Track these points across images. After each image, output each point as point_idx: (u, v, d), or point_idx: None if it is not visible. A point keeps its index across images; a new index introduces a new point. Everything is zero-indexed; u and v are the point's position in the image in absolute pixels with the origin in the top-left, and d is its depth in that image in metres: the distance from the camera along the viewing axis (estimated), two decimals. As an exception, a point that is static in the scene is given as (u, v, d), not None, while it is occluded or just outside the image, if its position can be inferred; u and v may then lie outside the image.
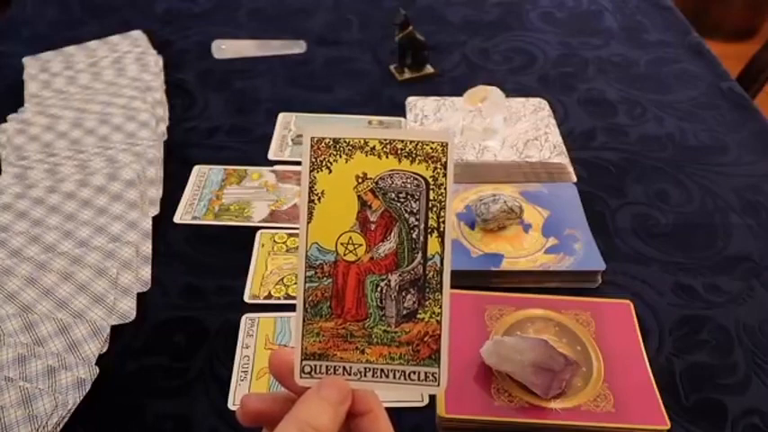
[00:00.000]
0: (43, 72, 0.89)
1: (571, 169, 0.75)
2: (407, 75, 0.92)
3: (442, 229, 0.37)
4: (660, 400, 0.53)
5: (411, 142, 0.37)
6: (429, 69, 0.92)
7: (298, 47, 0.98)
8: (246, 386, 0.56)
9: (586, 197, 0.72)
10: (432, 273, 0.37)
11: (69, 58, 0.91)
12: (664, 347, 0.60)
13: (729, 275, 0.66)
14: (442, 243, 0.37)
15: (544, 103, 0.83)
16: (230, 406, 0.55)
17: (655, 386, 0.54)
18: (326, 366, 0.38)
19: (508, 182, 0.73)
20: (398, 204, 0.37)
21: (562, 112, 0.86)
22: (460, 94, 0.80)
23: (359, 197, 0.37)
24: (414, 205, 0.37)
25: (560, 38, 1.01)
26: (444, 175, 0.37)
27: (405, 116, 0.83)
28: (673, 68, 0.95)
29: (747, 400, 0.56)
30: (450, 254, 0.37)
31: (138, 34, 0.97)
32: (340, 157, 0.37)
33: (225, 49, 0.96)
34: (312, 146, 0.37)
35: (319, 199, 0.37)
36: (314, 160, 0.37)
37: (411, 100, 0.84)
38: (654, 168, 0.78)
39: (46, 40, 0.96)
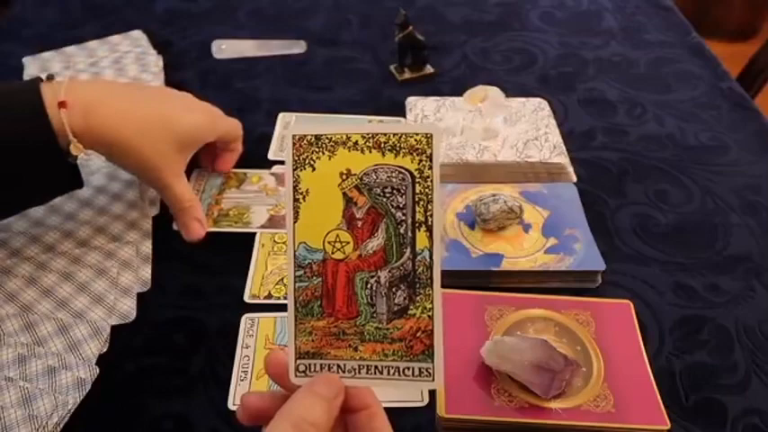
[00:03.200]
0: (43, 72, 0.89)
1: (571, 169, 0.75)
2: (407, 75, 0.92)
3: (429, 222, 0.36)
4: (660, 400, 0.53)
5: (394, 135, 0.36)
6: (429, 69, 0.92)
7: (298, 47, 0.98)
8: (246, 386, 0.56)
9: (586, 197, 0.72)
10: (421, 268, 0.36)
11: (69, 58, 0.91)
12: (664, 347, 0.60)
13: (729, 275, 0.66)
14: (431, 237, 0.36)
15: (544, 104, 0.83)
16: (230, 406, 0.55)
17: (655, 386, 0.54)
18: (321, 365, 0.38)
19: (508, 182, 0.73)
20: (384, 199, 0.37)
21: (562, 112, 0.86)
22: (460, 94, 0.80)
23: (344, 194, 0.37)
24: (400, 200, 0.36)
25: (560, 38, 1.01)
26: (430, 168, 0.36)
27: (405, 116, 0.83)
28: (673, 68, 0.95)
29: (747, 400, 0.56)
30: (440, 248, 0.36)
31: (138, 34, 0.97)
32: (323, 153, 0.37)
33: (225, 49, 0.96)
34: (294, 144, 0.37)
35: (304, 198, 0.37)
36: (296, 158, 0.37)
37: (411, 100, 0.84)
38: (654, 168, 0.79)
39: (46, 40, 0.96)
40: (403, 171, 0.36)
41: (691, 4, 1.59)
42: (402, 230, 0.37)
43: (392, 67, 0.93)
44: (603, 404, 0.53)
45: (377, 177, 0.37)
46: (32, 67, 0.90)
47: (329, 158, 0.37)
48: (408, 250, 0.37)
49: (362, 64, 0.95)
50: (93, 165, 0.74)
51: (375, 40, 0.99)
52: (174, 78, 0.90)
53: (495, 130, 0.77)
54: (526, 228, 0.67)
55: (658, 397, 0.54)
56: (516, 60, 0.97)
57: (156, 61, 0.91)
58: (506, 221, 0.67)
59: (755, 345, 0.60)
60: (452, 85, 0.90)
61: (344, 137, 0.37)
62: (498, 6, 1.09)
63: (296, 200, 0.37)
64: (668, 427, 0.52)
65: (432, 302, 0.37)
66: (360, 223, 0.37)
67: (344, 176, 0.37)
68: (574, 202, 0.71)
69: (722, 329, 0.61)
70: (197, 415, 0.54)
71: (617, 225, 0.71)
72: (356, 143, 0.36)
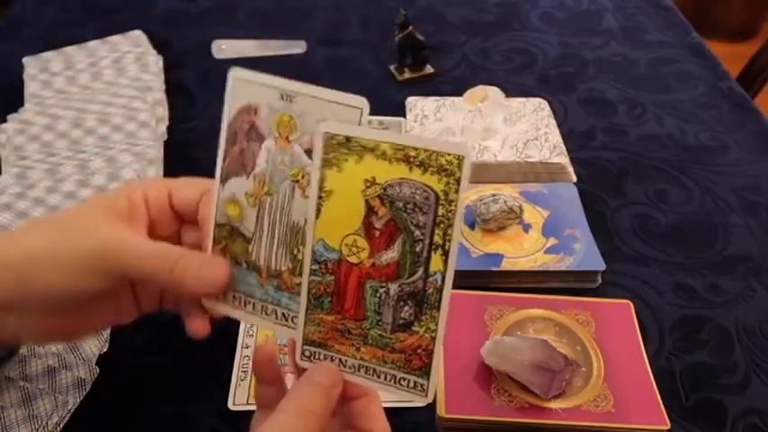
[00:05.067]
0: (43, 72, 0.89)
1: (571, 169, 0.75)
2: (407, 75, 0.92)
3: (447, 247, 0.35)
4: (660, 400, 0.53)
5: (425, 151, 0.35)
6: (429, 69, 0.92)
7: (298, 47, 0.98)
8: (246, 386, 0.56)
9: (586, 197, 0.72)
10: (431, 289, 0.36)
11: (69, 58, 0.91)
12: (664, 347, 0.60)
13: (729, 275, 0.66)
14: (446, 262, 0.35)
15: (544, 104, 0.83)
16: (230, 406, 0.55)
17: (655, 386, 0.54)
18: (324, 355, 0.38)
19: (508, 182, 0.73)
20: (405, 215, 0.36)
21: (562, 112, 0.86)
22: (460, 94, 0.80)
23: (366, 201, 0.36)
24: (421, 218, 0.35)
25: (560, 38, 1.01)
26: (456, 191, 0.35)
27: (405, 116, 0.83)
28: (673, 68, 0.95)
29: (747, 400, 0.56)
30: (453, 274, 0.35)
31: (138, 34, 0.97)
32: (351, 156, 0.36)
33: (225, 49, 0.96)
34: (324, 141, 0.36)
35: (328, 197, 0.37)
36: (325, 156, 0.36)
37: (411, 100, 0.84)
38: (654, 168, 0.79)
39: (46, 40, 0.96)
40: (428, 190, 0.35)
41: (691, 4, 1.59)
42: (418, 249, 0.36)
43: (392, 67, 0.93)
44: (603, 404, 0.53)
45: (400, 191, 0.36)
46: (32, 67, 0.90)
47: (356, 162, 0.36)
48: (421, 270, 0.36)
49: (362, 64, 0.95)
50: (93, 165, 0.74)
51: (375, 40, 0.99)
52: (174, 78, 0.90)
53: (495, 130, 0.77)
54: (526, 228, 0.67)
55: (658, 397, 0.54)
56: (516, 60, 0.97)
57: (156, 61, 0.91)
58: (506, 221, 0.67)
59: (755, 345, 0.60)
60: (452, 85, 0.90)
61: (374, 143, 0.36)
62: (498, 6, 1.09)
63: (319, 197, 0.37)
64: (668, 427, 0.52)
65: (436, 324, 0.36)
66: (377, 233, 0.36)
67: (369, 184, 0.36)
68: (574, 202, 0.71)
69: (722, 329, 0.61)
70: (197, 415, 0.54)
71: (617, 225, 0.71)
72: (384, 153, 0.35)
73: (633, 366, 0.56)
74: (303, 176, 0.38)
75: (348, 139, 0.36)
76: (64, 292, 0.39)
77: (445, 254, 0.36)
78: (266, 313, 0.40)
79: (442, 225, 0.35)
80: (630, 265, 0.67)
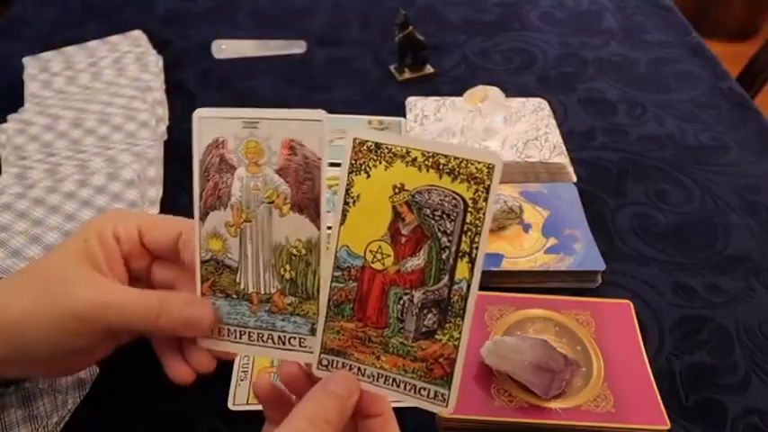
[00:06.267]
0: (43, 72, 0.89)
1: (571, 169, 0.75)
2: (407, 75, 0.92)
3: (474, 255, 0.36)
4: (660, 400, 0.53)
5: (455, 159, 0.35)
6: (429, 69, 0.92)
7: (298, 47, 0.98)
8: (246, 386, 0.56)
9: (586, 197, 0.72)
10: (456, 297, 0.36)
11: (69, 58, 0.91)
12: (664, 347, 0.60)
13: (729, 275, 0.66)
14: (472, 270, 0.36)
15: (544, 104, 0.83)
16: (230, 406, 0.54)
17: (655, 386, 0.54)
18: (343, 363, 0.38)
19: (508, 182, 0.73)
20: (432, 222, 0.36)
21: (562, 112, 0.86)
22: (460, 94, 0.80)
23: (393, 208, 0.36)
24: (448, 226, 0.36)
25: (560, 38, 1.01)
26: (485, 200, 0.35)
27: (405, 116, 0.83)
28: (673, 68, 0.95)
29: (747, 400, 0.56)
30: (479, 282, 0.35)
31: (138, 34, 0.97)
32: (380, 162, 0.36)
33: (225, 49, 0.96)
34: (354, 147, 0.36)
35: (354, 202, 0.37)
36: (353, 162, 0.36)
37: (411, 100, 0.84)
38: (654, 168, 0.79)
39: (46, 40, 0.96)
40: (457, 197, 0.35)
41: (691, 4, 1.60)
42: (444, 256, 0.36)
43: (392, 67, 0.93)
44: (603, 404, 0.53)
45: (429, 198, 0.36)
46: (32, 67, 0.90)
47: (385, 169, 0.36)
48: (447, 277, 0.36)
49: (362, 64, 0.95)
50: (93, 165, 0.74)
51: (375, 40, 0.99)
52: (174, 78, 0.90)
53: (495, 129, 0.77)
54: (526, 228, 0.67)
55: (658, 397, 0.54)
56: (516, 60, 0.97)
57: (156, 61, 0.91)
58: (506, 221, 0.67)
59: (755, 345, 0.60)
60: (452, 85, 0.90)
61: (404, 150, 0.36)
62: (498, 6, 1.09)
63: (346, 203, 0.37)
64: (668, 427, 0.52)
65: (460, 333, 0.36)
66: (403, 239, 0.36)
67: (397, 190, 0.36)
68: (574, 202, 0.71)
69: (722, 329, 0.61)
70: (197, 415, 0.54)
71: (617, 225, 0.71)
72: (415, 159, 0.36)
73: (633, 366, 0.56)
74: (278, 196, 0.39)
75: (378, 145, 0.36)
76: (49, 349, 0.41)
77: (472, 262, 0.36)
78: (262, 340, 0.40)
79: (469, 233, 0.35)
80: (630, 265, 0.67)
